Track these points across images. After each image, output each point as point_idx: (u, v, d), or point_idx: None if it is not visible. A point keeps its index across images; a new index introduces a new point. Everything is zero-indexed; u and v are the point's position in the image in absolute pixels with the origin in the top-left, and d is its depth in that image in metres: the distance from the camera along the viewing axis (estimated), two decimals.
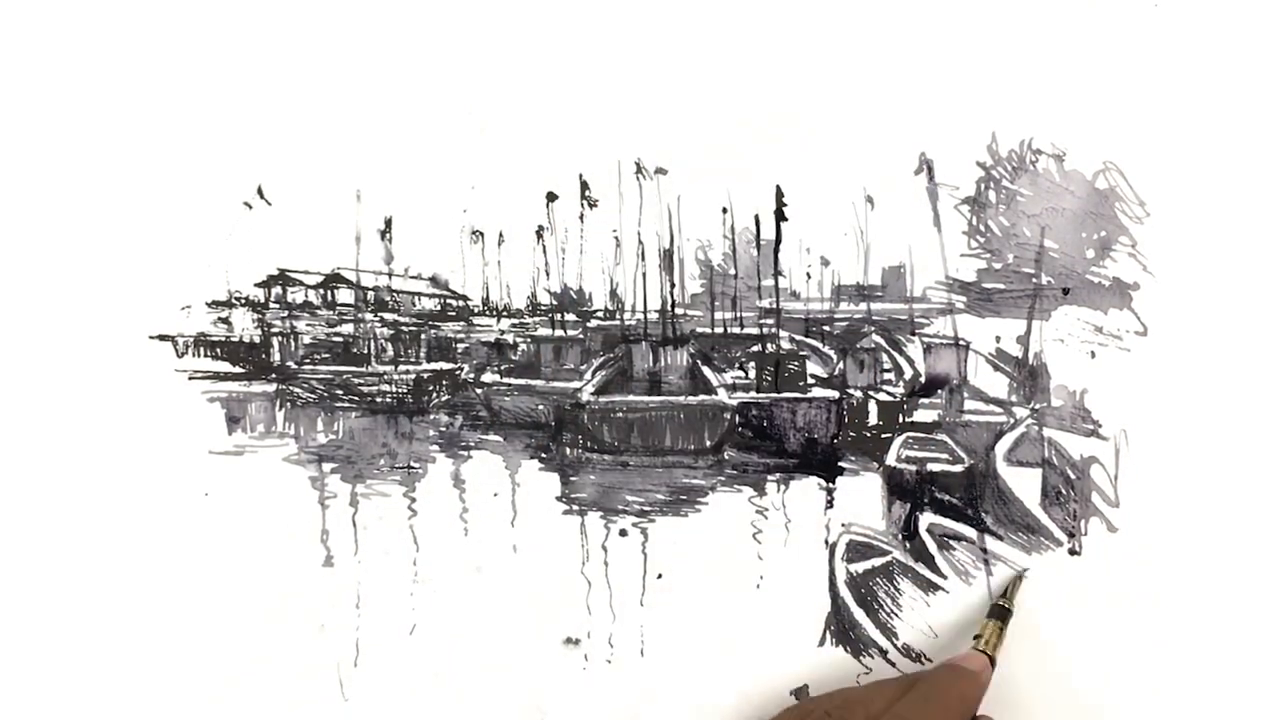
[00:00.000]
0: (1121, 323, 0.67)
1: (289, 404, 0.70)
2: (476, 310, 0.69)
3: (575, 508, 0.70)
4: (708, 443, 0.71)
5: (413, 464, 0.70)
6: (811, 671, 0.69)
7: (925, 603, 0.69)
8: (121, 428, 0.71)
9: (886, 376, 0.69)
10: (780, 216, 0.68)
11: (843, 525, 0.69)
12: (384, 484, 0.71)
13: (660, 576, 0.69)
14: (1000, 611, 0.68)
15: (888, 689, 0.59)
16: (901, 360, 0.69)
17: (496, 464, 0.71)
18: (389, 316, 0.69)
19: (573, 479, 0.70)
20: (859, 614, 0.70)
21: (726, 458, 0.71)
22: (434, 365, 0.69)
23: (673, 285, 0.69)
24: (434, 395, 0.68)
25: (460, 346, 0.69)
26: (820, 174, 0.68)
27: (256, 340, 0.70)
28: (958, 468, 0.69)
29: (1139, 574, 0.68)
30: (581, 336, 0.69)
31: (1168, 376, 0.66)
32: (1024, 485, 0.70)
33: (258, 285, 0.72)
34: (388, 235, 0.71)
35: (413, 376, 0.68)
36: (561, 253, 0.70)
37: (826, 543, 0.69)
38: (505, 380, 0.69)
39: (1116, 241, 0.67)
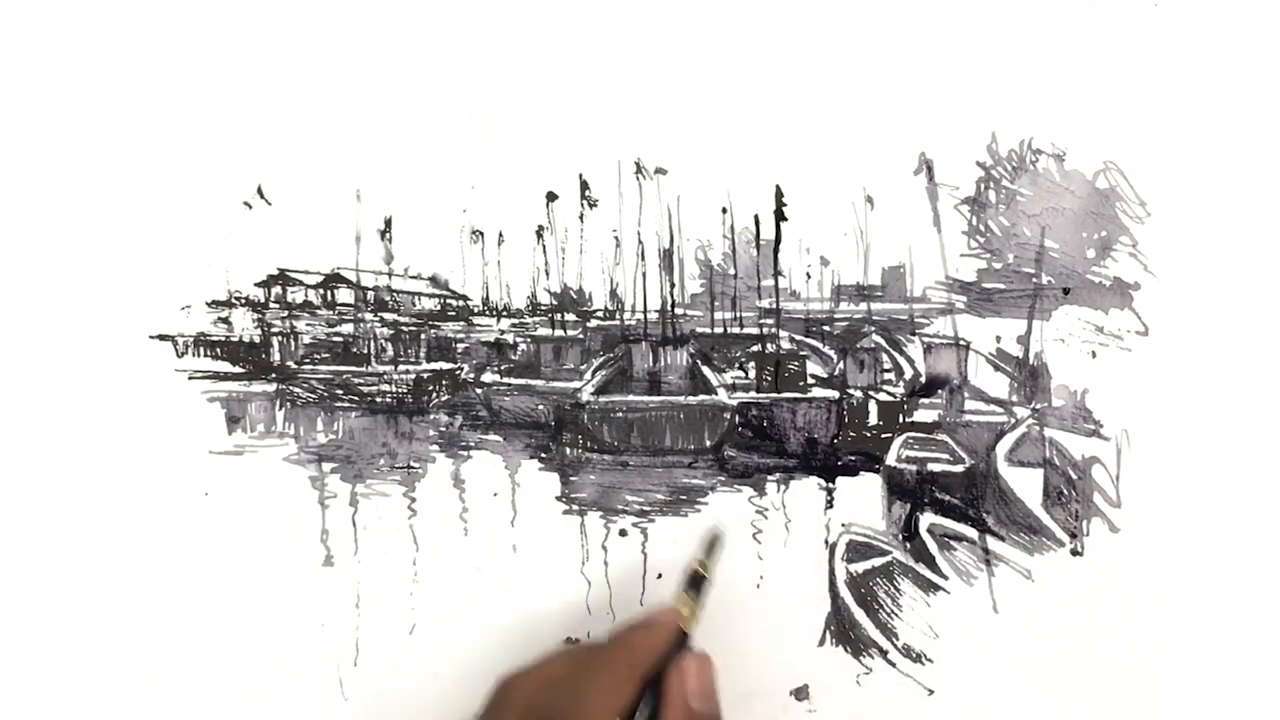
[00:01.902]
0: (1122, 322, 0.67)
1: (289, 404, 0.70)
2: (476, 310, 0.69)
3: (575, 508, 0.70)
4: (708, 442, 0.71)
5: (413, 464, 0.70)
6: (811, 671, 0.69)
7: (926, 603, 0.69)
8: (121, 427, 0.71)
9: (887, 376, 0.69)
10: (780, 216, 0.68)
11: (843, 525, 0.69)
12: (384, 484, 0.71)
13: (660, 576, 0.69)
14: (697, 580, 0.62)
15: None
16: (902, 360, 0.69)
17: (496, 464, 0.71)
18: (389, 316, 0.69)
19: (573, 479, 0.70)
20: (859, 614, 0.70)
21: (726, 458, 0.71)
22: (434, 365, 0.69)
23: (673, 285, 0.69)
24: (434, 395, 0.68)
25: (460, 346, 0.69)
26: (820, 174, 0.68)
27: (256, 340, 0.70)
28: (958, 468, 0.69)
29: (1141, 574, 0.68)
30: (581, 336, 0.69)
31: (1169, 376, 0.66)
32: (1025, 485, 0.70)
33: (258, 285, 0.72)
34: (388, 235, 0.71)
35: (413, 376, 0.68)
36: (561, 253, 0.69)
37: (827, 543, 0.69)
38: (505, 380, 0.69)
39: (1117, 241, 0.67)
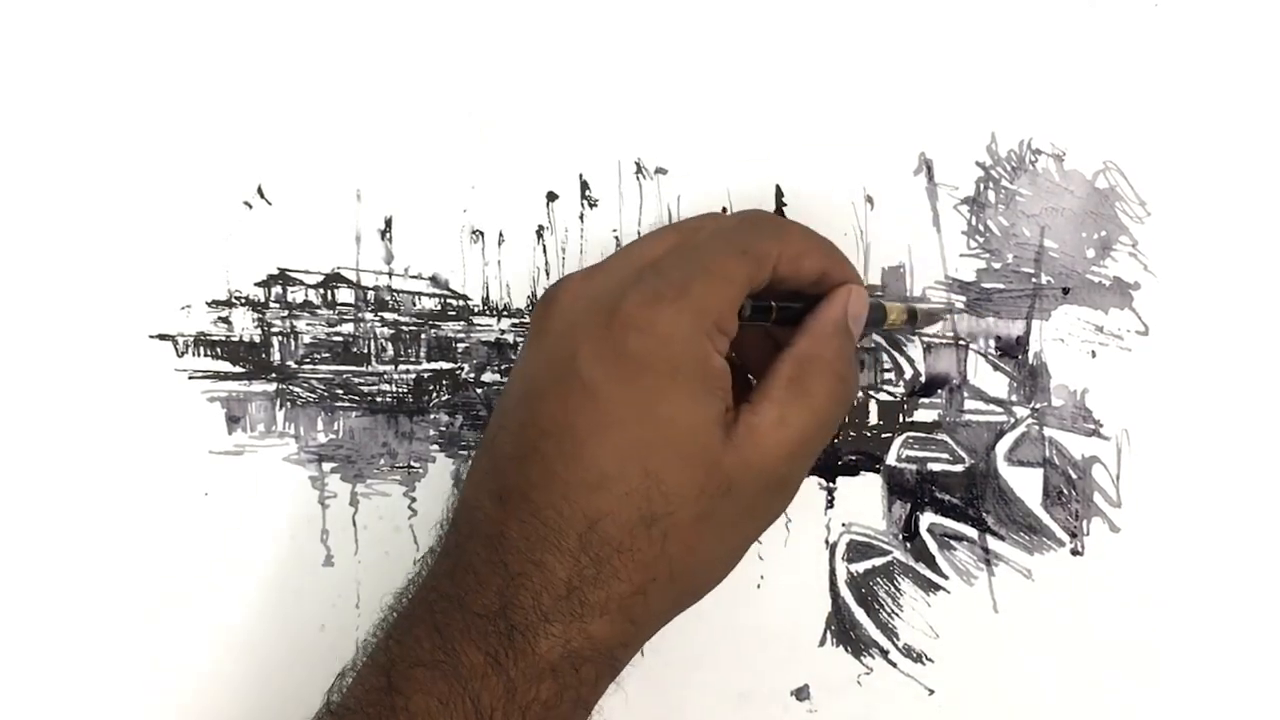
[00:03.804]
0: (1122, 322, 0.67)
1: (289, 404, 0.70)
2: (476, 310, 0.69)
3: None
4: None
5: (413, 464, 0.70)
6: (812, 671, 0.69)
7: (926, 603, 0.69)
8: (121, 427, 0.71)
9: (886, 376, 0.69)
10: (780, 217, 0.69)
11: (843, 525, 0.69)
12: (384, 484, 0.71)
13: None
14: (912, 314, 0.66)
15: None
16: (901, 360, 0.69)
17: None
18: (389, 316, 0.69)
19: None
20: (860, 614, 0.70)
21: None
22: (434, 365, 0.69)
23: None
24: (434, 395, 0.68)
25: (460, 346, 0.69)
26: (820, 174, 0.68)
27: (256, 340, 0.70)
28: (958, 467, 0.69)
29: (1141, 574, 0.68)
30: None
31: (1169, 376, 0.66)
32: (1025, 485, 0.70)
33: (258, 285, 0.72)
34: (388, 235, 0.71)
35: (413, 376, 0.68)
36: (562, 252, 0.70)
37: (827, 542, 0.69)
38: (506, 380, 0.69)
39: (1117, 241, 0.67)
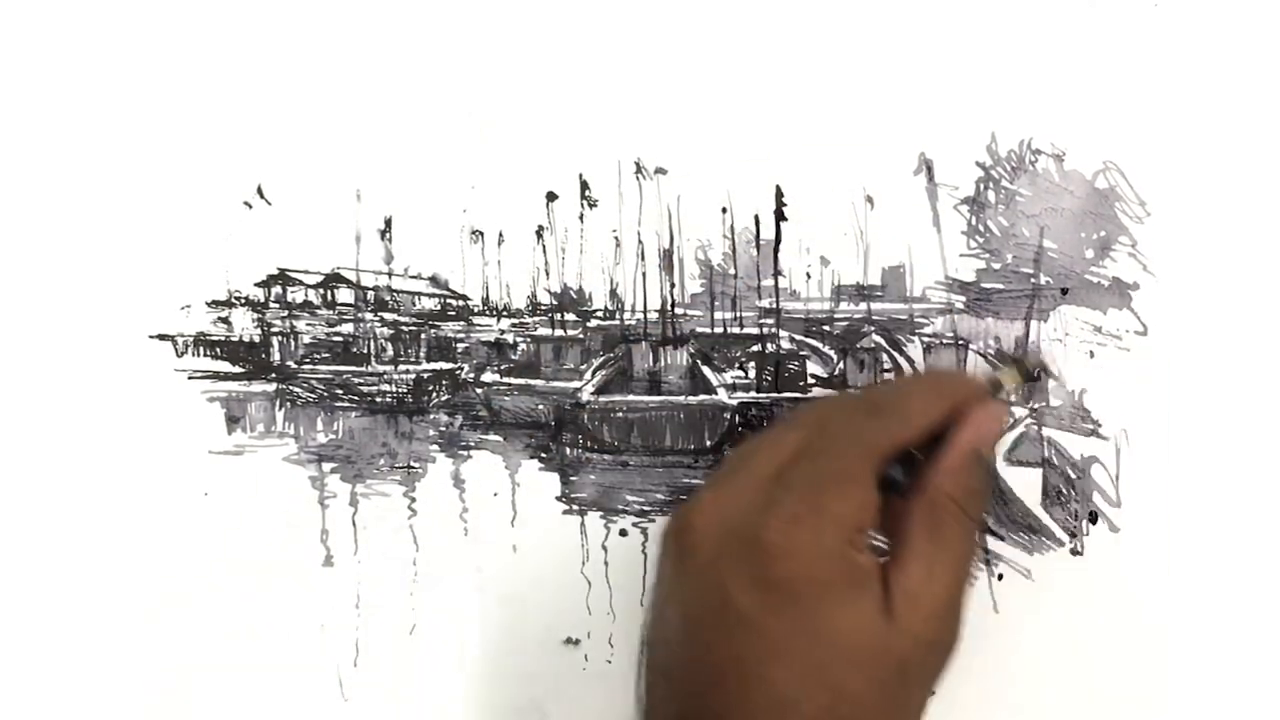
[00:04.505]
0: (1121, 322, 0.67)
1: (289, 404, 0.70)
2: (476, 310, 0.69)
3: (575, 508, 0.70)
4: (708, 442, 0.71)
5: (413, 464, 0.70)
6: None
7: None
8: (121, 427, 0.71)
9: (887, 376, 0.69)
10: (780, 216, 0.68)
11: None
12: (384, 484, 0.71)
13: None
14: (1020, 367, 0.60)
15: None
16: (902, 360, 0.69)
17: (496, 464, 0.71)
18: (389, 316, 0.69)
19: (573, 479, 0.70)
20: None
21: (727, 458, 0.71)
22: (434, 365, 0.69)
23: (673, 285, 0.69)
24: (434, 395, 0.68)
25: (460, 346, 0.69)
26: (820, 174, 0.68)
27: (256, 340, 0.70)
28: None
29: (1141, 574, 0.68)
30: (581, 336, 0.69)
31: (1168, 376, 0.66)
32: (1024, 485, 0.70)
33: (258, 285, 0.72)
34: (388, 235, 0.71)
35: (413, 376, 0.68)
36: (561, 253, 0.70)
37: None
38: (505, 380, 0.69)
39: (1116, 241, 0.67)
